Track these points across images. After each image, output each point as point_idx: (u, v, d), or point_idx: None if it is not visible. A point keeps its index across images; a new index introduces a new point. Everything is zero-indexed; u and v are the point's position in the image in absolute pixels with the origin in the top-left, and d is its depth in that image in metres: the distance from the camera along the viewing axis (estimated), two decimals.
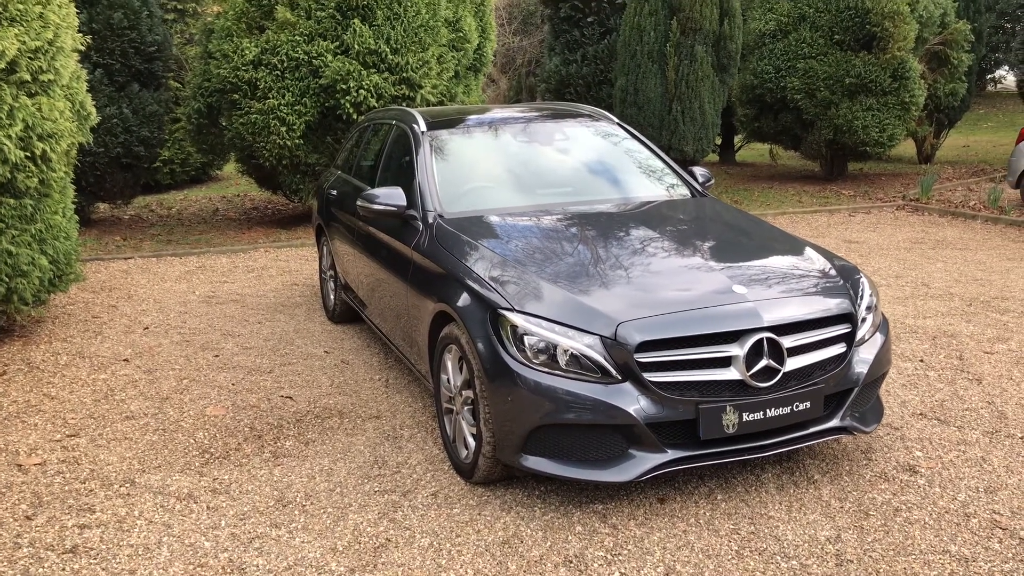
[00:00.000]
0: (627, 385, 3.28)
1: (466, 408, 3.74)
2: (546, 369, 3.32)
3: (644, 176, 5.00)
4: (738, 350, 3.32)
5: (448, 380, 3.90)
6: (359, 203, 4.65)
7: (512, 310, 3.43)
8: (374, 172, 5.53)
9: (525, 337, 3.36)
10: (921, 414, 4.42)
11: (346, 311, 6.25)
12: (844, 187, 13.48)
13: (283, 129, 9.24)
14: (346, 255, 5.80)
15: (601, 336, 3.30)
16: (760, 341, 3.34)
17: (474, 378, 3.54)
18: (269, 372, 5.37)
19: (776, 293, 3.52)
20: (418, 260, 4.28)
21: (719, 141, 16.53)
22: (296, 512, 3.59)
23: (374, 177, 5.48)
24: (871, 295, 3.82)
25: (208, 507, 3.65)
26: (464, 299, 3.69)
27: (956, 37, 13.69)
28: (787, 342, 3.40)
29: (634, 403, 3.26)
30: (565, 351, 3.31)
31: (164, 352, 5.82)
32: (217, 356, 5.71)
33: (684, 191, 4.95)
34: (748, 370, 3.32)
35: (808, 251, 4.04)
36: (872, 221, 10.81)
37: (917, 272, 7.76)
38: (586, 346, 3.30)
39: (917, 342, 5.63)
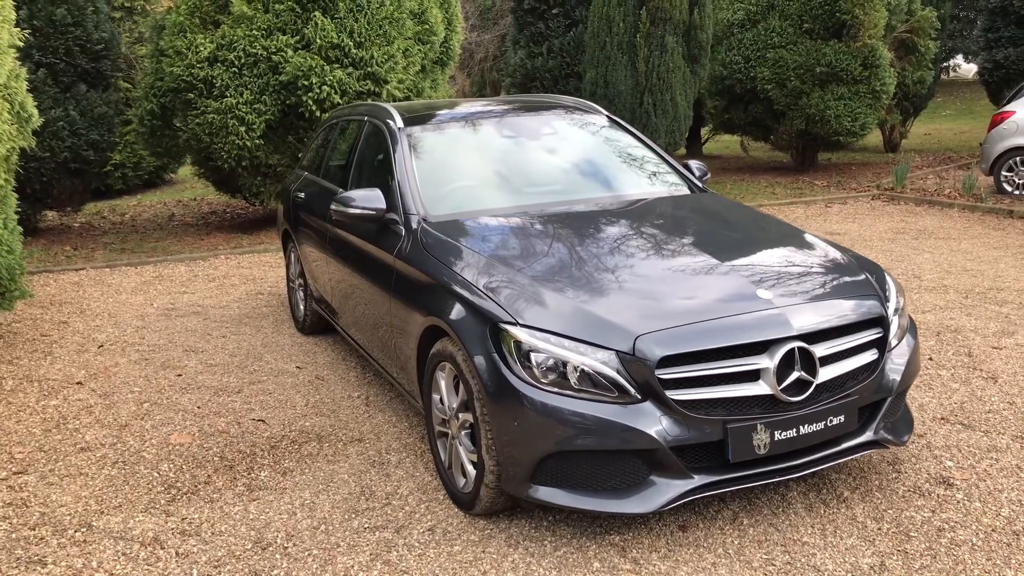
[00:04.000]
0: (647, 405, 2.94)
1: (464, 433, 3.38)
2: (556, 389, 2.97)
3: (640, 171, 4.67)
4: (768, 362, 3.01)
5: (441, 401, 3.53)
6: (333, 207, 4.25)
7: (515, 324, 3.07)
8: (346, 173, 5.13)
9: (532, 354, 3.01)
10: (943, 419, 4.15)
11: (317, 322, 5.84)
12: (816, 177, 13.33)
13: (242, 129, 8.76)
14: (317, 263, 5.39)
15: (617, 351, 2.96)
16: (791, 351, 3.02)
17: (473, 400, 3.18)
18: (237, 392, 4.95)
19: (803, 297, 3.21)
20: (402, 268, 3.90)
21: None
22: (278, 556, 3.20)
23: (346, 178, 5.08)
24: (899, 296, 3.53)
25: (177, 553, 3.24)
26: (458, 311, 3.33)
27: (923, 25, 13.62)
28: (819, 351, 3.09)
29: (656, 424, 2.93)
30: (576, 368, 2.96)
31: (121, 372, 5.36)
32: (180, 375, 5.27)
33: (682, 186, 4.63)
34: (779, 383, 3.00)
35: (828, 248, 3.74)
36: (849, 212, 10.64)
37: (906, 264, 7.56)
38: (601, 362, 2.96)
39: (921, 338, 5.38)
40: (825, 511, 3.33)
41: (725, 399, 2.99)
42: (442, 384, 3.51)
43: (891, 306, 3.42)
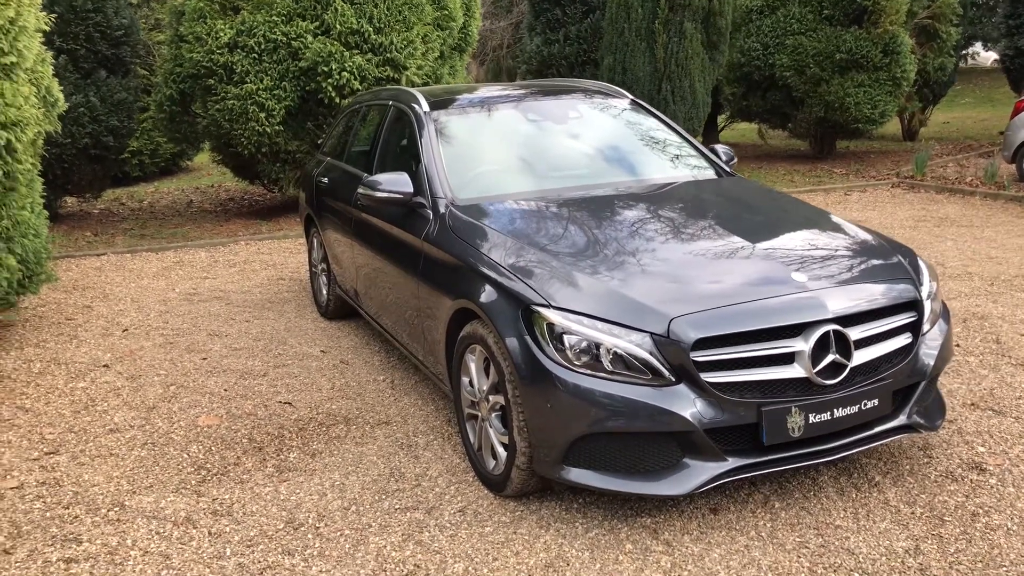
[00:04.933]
0: (682, 387, 2.94)
1: (494, 415, 3.38)
2: (589, 371, 2.97)
3: (667, 155, 4.65)
4: (803, 345, 2.99)
5: (471, 384, 3.54)
6: (360, 190, 4.25)
7: (548, 306, 3.07)
8: (370, 158, 5.13)
9: (565, 336, 3.00)
10: (973, 404, 4.12)
11: (340, 306, 5.85)
12: (835, 165, 13.24)
13: (262, 115, 8.77)
14: (341, 247, 5.39)
15: (652, 334, 2.95)
16: (826, 334, 3.01)
17: (505, 382, 3.18)
18: (263, 375, 4.97)
19: (837, 280, 3.19)
20: (430, 252, 3.90)
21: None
22: (310, 536, 3.21)
23: (370, 163, 5.08)
24: (932, 280, 3.50)
25: (210, 533, 3.26)
26: (489, 294, 3.33)
27: (944, 10, 13.48)
28: (853, 334, 3.07)
29: (690, 407, 2.92)
30: (610, 351, 2.96)
31: (147, 356, 5.39)
32: (205, 359, 5.30)
33: (709, 170, 4.61)
34: (814, 367, 2.99)
35: (859, 232, 3.71)
36: (869, 199, 10.56)
37: (929, 251, 7.50)
38: (635, 345, 2.95)
39: None
40: (857, 495, 3.32)
41: (759, 382, 2.98)
42: (472, 367, 3.51)
43: (924, 290, 3.39)
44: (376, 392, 4.64)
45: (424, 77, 9.30)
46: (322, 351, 5.37)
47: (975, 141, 15.81)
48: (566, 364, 2.99)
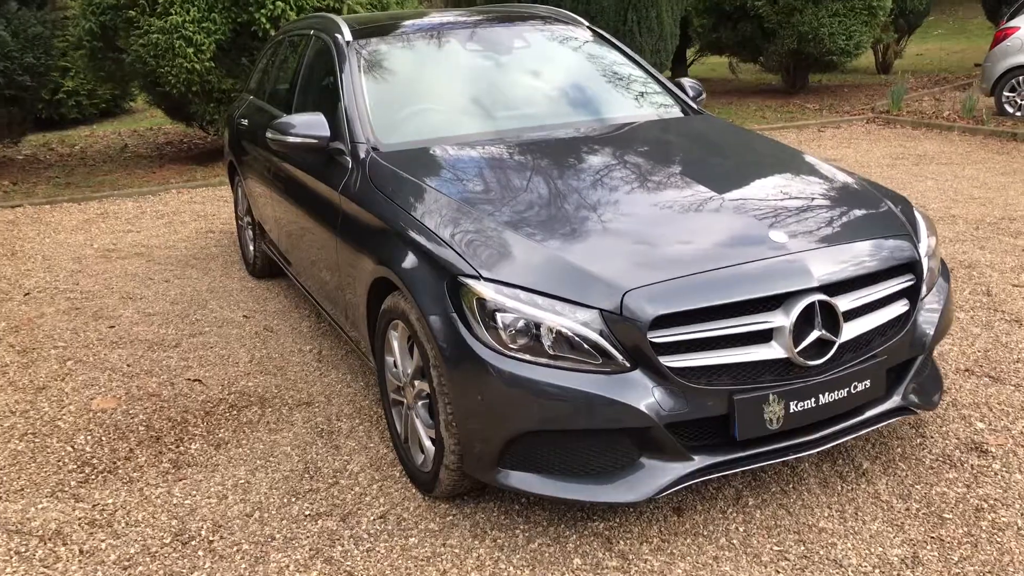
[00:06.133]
0: (637, 374, 2.43)
1: (420, 403, 2.86)
2: (528, 356, 2.45)
3: (627, 91, 4.06)
4: (783, 319, 2.48)
5: (395, 364, 3.01)
6: (269, 135, 3.64)
7: (478, 278, 2.52)
8: (291, 96, 4.50)
9: (498, 314, 2.47)
10: (967, 370, 3.68)
11: (269, 264, 5.27)
12: (808, 100, 12.69)
13: (190, 51, 8.01)
14: (262, 198, 4.79)
15: (601, 310, 2.42)
16: (811, 306, 2.50)
17: (429, 367, 2.65)
18: (175, 346, 4.40)
19: (824, 239, 2.67)
20: (348, 208, 3.33)
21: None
22: (200, 553, 2.70)
23: (291, 102, 4.45)
24: (930, 234, 3.00)
25: (81, 551, 2.74)
26: (411, 261, 2.77)
27: None
28: (842, 304, 2.57)
29: (648, 397, 2.41)
30: (552, 331, 2.43)
31: (46, 325, 4.79)
32: (112, 327, 4.71)
33: (674, 108, 4.04)
34: (796, 345, 2.49)
35: (848, 180, 3.19)
36: (844, 136, 10.06)
37: (909, 192, 7.03)
38: (581, 324, 2.42)
39: None
40: (843, 487, 2.86)
41: (731, 365, 2.47)
42: (395, 345, 2.98)
43: (922, 247, 2.89)
44: (300, 365, 4.09)
45: (369, 7, 8.55)
46: (245, 316, 4.80)
47: (950, 74, 15.30)
48: (500, 348, 2.46)
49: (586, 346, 2.42)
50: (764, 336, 2.50)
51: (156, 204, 7.80)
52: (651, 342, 2.40)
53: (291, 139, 3.56)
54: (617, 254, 2.55)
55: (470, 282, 2.53)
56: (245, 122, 5.19)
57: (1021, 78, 10.44)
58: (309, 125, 3.57)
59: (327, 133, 3.55)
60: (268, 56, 5.44)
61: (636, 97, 4.02)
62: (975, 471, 2.92)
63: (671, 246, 2.59)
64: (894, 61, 15.56)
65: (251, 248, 5.41)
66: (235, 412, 3.63)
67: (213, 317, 4.80)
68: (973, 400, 3.41)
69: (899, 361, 2.78)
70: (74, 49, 8.91)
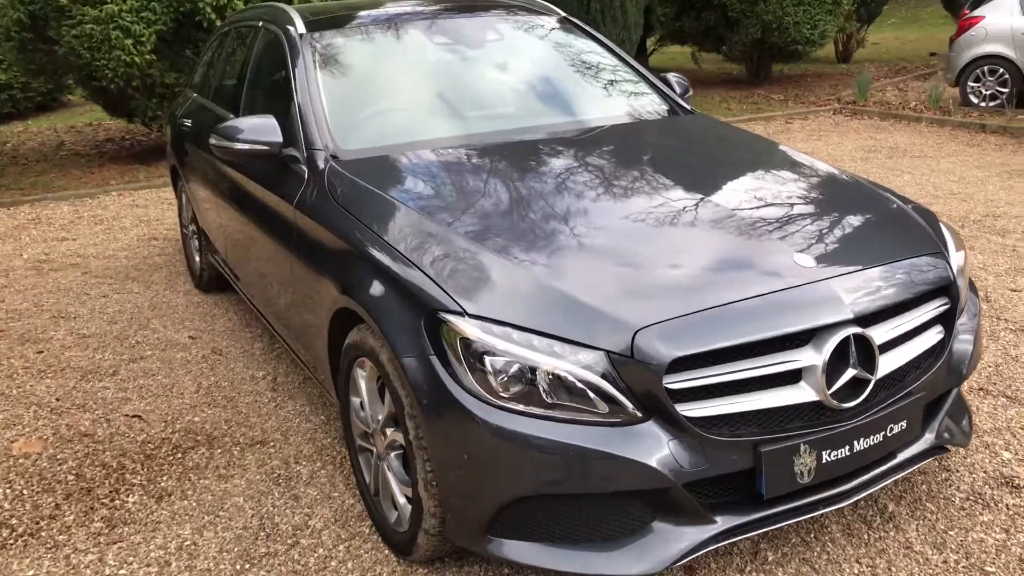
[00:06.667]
0: (651, 425, 2.08)
1: (394, 455, 2.49)
2: (523, 406, 2.09)
3: (612, 89, 3.71)
4: (814, 356, 2.16)
5: (363, 406, 2.63)
6: (212, 140, 3.22)
7: (463, 314, 2.15)
8: (238, 95, 4.06)
9: (487, 357, 2.10)
10: (982, 389, 3.41)
11: (216, 276, 4.82)
12: (772, 91, 12.49)
13: (128, 42, 7.47)
14: (208, 206, 4.35)
15: (609, 352, 2.07)
16: (845, 340, 2.18)
17: (405, 416, 2.27)
18: (112, 374, 3.95)
19: (854, 262, 2.35)
20: (304, 225, 2.93)
21: None
22: None
23: (238, 102, 4.02)
24: (959, 249, 2.70)
25: None
26: (380, 291, 2.39)
27: None
28: (878, 335, 2.25)
29: (664, 453, 2.07)
30: (551, 376, 2.07)
31: None
32: (41, 353, 4.24)
33: (662, 106, 3.70)
34: (829, 386, 2.16)
35: (868, 189, 2.88)
36: (813, 128, 9.85)
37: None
38: (585, 368, 2.07)
39: None
40: (870, 536, 2.55)
41: (756, 412, 2.14)
42: (362, 385, 2.59)
43: (954, 265, 2.59)
44: (253, 395, 3.68)
45: None
46: (191, 337, 4.36)
47: (909, 63, 15.26)
48: (489, 397, 2.10)
49: (591, 394, 2.07)
50: (792, 377, 2.17)
51: (94, 208, 7.27)
52: (667, 388, 2.05)
53: (239, 146, 3.14)
54: (624, 284, 2.20)
55: (453, 319, 2.15)
56: (188, 123, 4.73)
57: (986, 68, 10.33)
58: (259, 130, 3.16)
59: (279, 139, 3.14)
60: (213, 49, 4.99)
61: (622, 95, 3.67)
62: (1011, 512, 2.64)
63: (685, 273, 2.24)
64: (855, 50, 15.46)
65: (197, 259, 4.96)
66: (179, 455, 3.21)
67: (155, 338, 4.36)
68: (994, 425, 3.14)
69: (936, 396, 2.47)
70: (4, 40, 8.28)
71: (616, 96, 3.65)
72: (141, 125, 9.41)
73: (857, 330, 2.19)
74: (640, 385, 2.07)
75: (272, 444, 3.26)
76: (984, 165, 7.55)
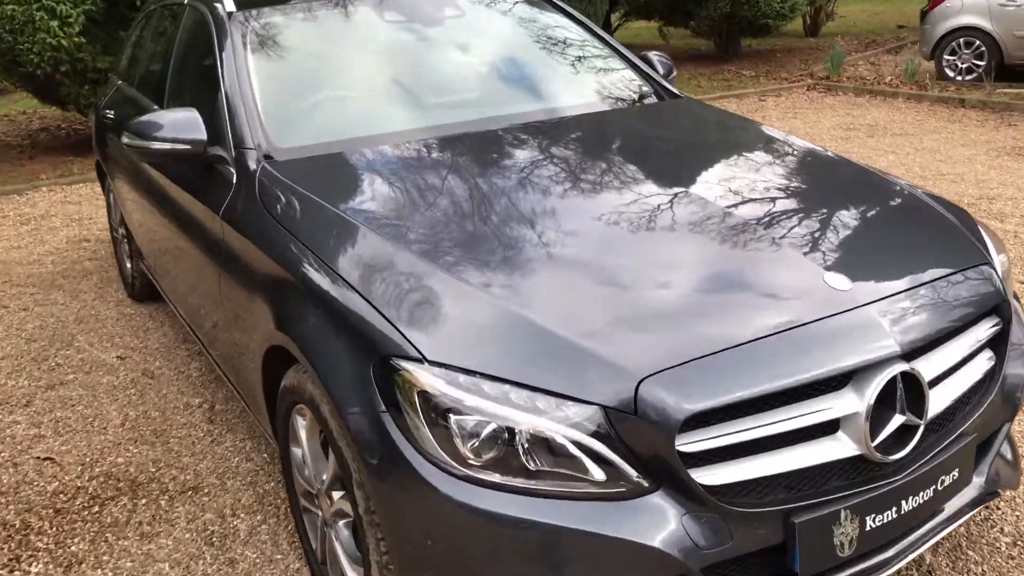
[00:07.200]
0: (659, 497, 1.67)
1: (343, 523, 2.06)
2: (499, 477, 1.66)
3: (590, 71, 3.27)
4: (855, 402, 1.76)
5: (305, 460, 2.19)
6: (125, 139, 2.74)
7: (422, 360, 1.72)
8: (163, 84, 3.56)
9: (453, 417, 1.67)
10: None
11: (150, 284, 4.32)
12: (742, 67, 12.11)
13: (54, 24, 6.86)
14: (133, 209, 3.86)
15: (605, 407, 1.65)
16: (892, 380, 1.78)
17: (353, 484, 1.84)
18: (25, 405, 3.47)
19: (895, 280, 1.95)
20: (232, 240, 2.46)
21: None
22: None
23: (163, 91, 3.52)
24: (998, 252, 2.31)
25: None
26: (318, 327, 1.95)
27: None
28: (927, 370, 1.86)
29: (676, 531, 1.66)
30: (532, 438, 1.65)
31: None
32: None
33: (647, 89, 3.27)
34: (873, 437, 1.77)
35: (899, 188, 2.48)
36: (788, 105, 9.49)
37: None
38: (575, 426, 1.65)
39: None
40: None
41: (787, 474, 1.73)
42: (302, 436, 2.16)
43: (998, 273, 2.20)
44: (186, 428, 3.22)
45: None
46: (119, 357, 3.87)
47: (879, 36, 15.00)
48: (456, 466, 1.67)
49: (585, 459, 1.65)
50: (829, 427, 1.77)
51: (21, 205, 6.68)
52: (679, 452, 1.64)
53: (156, 145, 2.66)
54: (623, 319, 1.77)
55: (409, 367, 1.72)
56: (110, 114, 4.22)
57: (962, 40, 10.04)
58: (179, 125, 2.68)
59: (203, 136, 2.66)
60: (139, 31, 4.46)
61: (602, 78, 3.23)
62: None
63: (697, 303, 1.82)
64: (824, 24, 15.16)
65: (128, 265, 4.46)
66: (96, 508, 2.75)
67: (79, 359, 3.86)
68: None
69: (987, 435, 2.09)
70: None
71: (595, 79, 3.21)
72: (78, 113, 8.78)
73: (905, 367, 1.79)
74: (645, 447, 1.65)
75: (206, 491, 2.81)
76: (969, 143, 7.24)
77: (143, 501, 2.78)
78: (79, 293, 4.71)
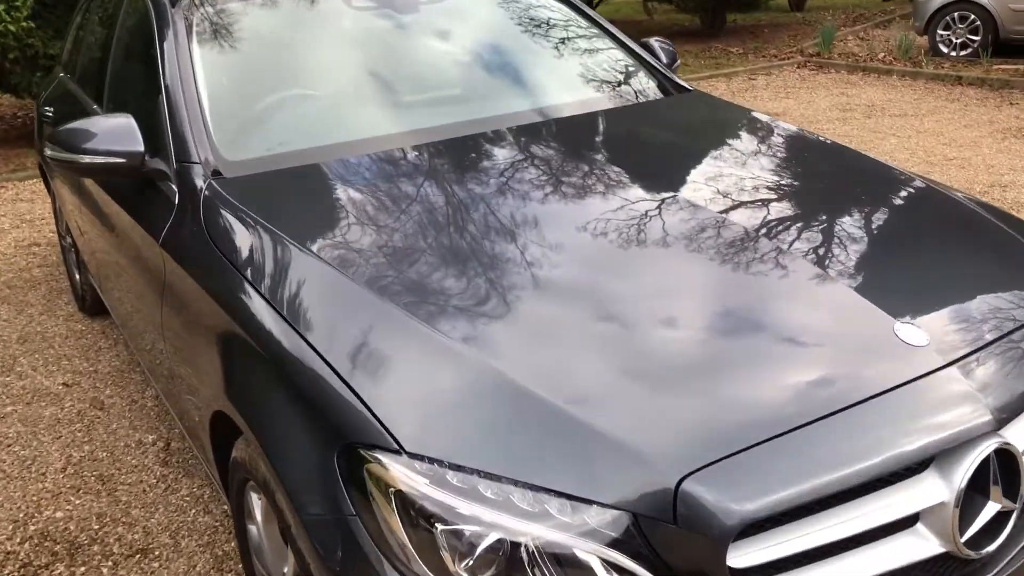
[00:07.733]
0: None
1: None
2: None
3: (586, 62, 2.89)
4: (941, 489, 1.42)
5: (262, 544, 1.82)
6: (49, 152, 2.33)
7: (399, 452, 1.35)
8: (102, 80, 3.15)
9: (440, 527, 1.31)
10: None
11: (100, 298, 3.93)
12: (729, 43, 11.73)
13: (0, 8, 6.37)
14: (75, 216, 3.45)
15: (635, 513, 1.29)
16: (985, 460, 1.44)
17: None
18: None
19: (979, 329, 1.60)
20: (173, 273, 2.08)
21: None
22: None
23: (102, 89, 3.11)
24: None
25: None
26: (270, 400, 1.58)
27: None
28: (1019, 441, 1.52)
29: None
30: (541, 555, 1.30)
31: None
32: None
33: (651, 83, 2.90)
34: (962, 530, 1.43)
35: (964, 207, 2.13)
36: (779, 84, 9.14)
37: (875, 153, 6.12)
38: (597, 539, 1.29)
39: None
40: None
41: None
42: (259, 517, 1.79)
43: None
44: (137, 472, 2.85)
45: None
46: (65, 385, 3.48)
47: (866, 10, 14.67)
48: None
49: None
50: (907, 522, 1.43)
51: None
52: (731, 569, 1.29)
53: (86, 159, 2.27)
54: (649, 391, 1.41)
55: (384, 459, 1.35)
56: (50, 111, 3.80)
57: (956, 15, 9.72)
58: (112, 135, 2.28)
59: (140, 148, 2.26)
60: (82, 15, 4.03)
61: (598, 70, 2.85)
62: None
63: (741, 367, 1.47)
64: None
65: (77, 276, 4.05)
66: None
67: (20, 387, 3.47)
68: None
69: None
70: None
71: (592, 72, 2.83)
72: (33, 100, 8.28)
73: (1001, 441, 1.45)
74: (684, 561, 1.30)
75: (156, 554, 2.44)
76: (972, 124, 6.93)
77: (82, 569, 2.41)
78: (25, 306, 4.30)
